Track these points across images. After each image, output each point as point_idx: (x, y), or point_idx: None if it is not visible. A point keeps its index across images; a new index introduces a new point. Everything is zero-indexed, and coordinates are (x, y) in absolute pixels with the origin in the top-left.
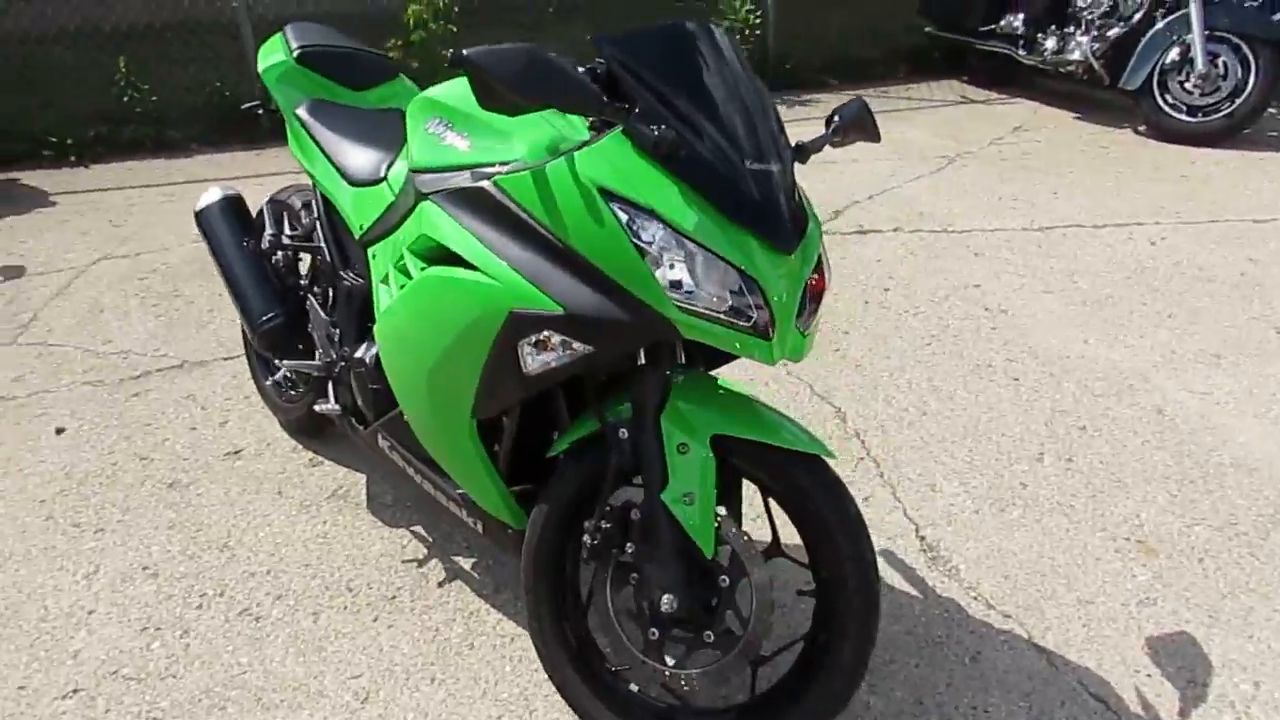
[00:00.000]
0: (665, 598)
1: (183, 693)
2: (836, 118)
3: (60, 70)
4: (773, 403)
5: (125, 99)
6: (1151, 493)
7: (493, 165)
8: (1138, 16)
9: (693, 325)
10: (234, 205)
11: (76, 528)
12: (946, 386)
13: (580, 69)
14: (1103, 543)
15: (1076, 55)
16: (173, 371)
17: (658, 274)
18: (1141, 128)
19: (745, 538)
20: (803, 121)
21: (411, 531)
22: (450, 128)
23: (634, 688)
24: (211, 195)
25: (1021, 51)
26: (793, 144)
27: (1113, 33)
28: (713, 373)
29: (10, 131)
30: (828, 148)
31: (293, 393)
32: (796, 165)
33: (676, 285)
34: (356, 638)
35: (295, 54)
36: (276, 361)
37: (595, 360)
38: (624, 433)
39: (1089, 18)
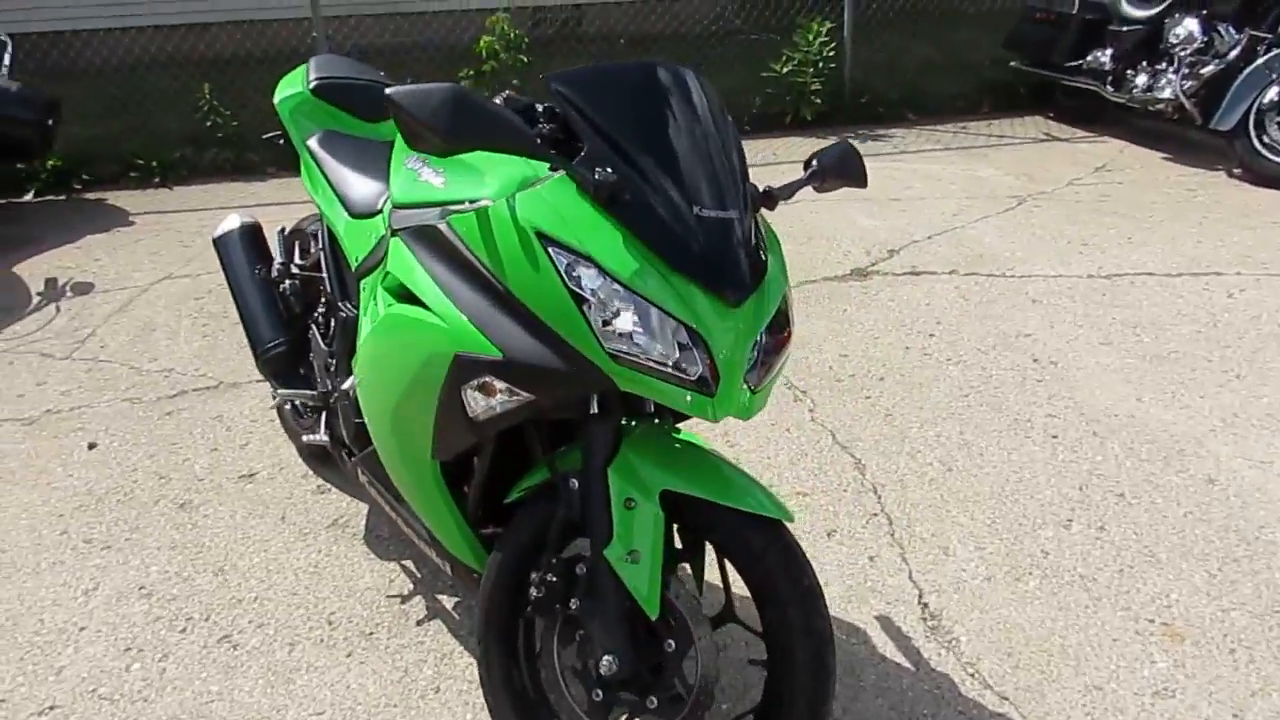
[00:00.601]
0: (606, 659)
1: (152, 718)
2: (815, 162)
3: (152, 96)
4: (789, 450)
5: (208, 124)
6: (1188, 570)
7: (461, 203)
8: (1234, 53)
9: (630, 378)
10: (251, 233)
11: (87, 543)
12: (978, 442)
13: (539, 106)
14: (1123, 623)
15: (1167, 93)
16: (208, 392)
17: (595, 323)
18: (1235, 171)
19: (695, 601)
20: (875, 158)
21: (401, 566)
22: (426, 164)
23: None
24: (230, 223)
25: (1109, 88)
26: (761, 189)
27: (1206, 70)
28: (683, 424)
29: (103, 154)
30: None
31: (302, 420)
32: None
33: (613, 336)
34: (326, 673)
35: (311, 86)
36: (275, 389)
37: (539, 407)
38: (574, 483)
39: (1181, 54)
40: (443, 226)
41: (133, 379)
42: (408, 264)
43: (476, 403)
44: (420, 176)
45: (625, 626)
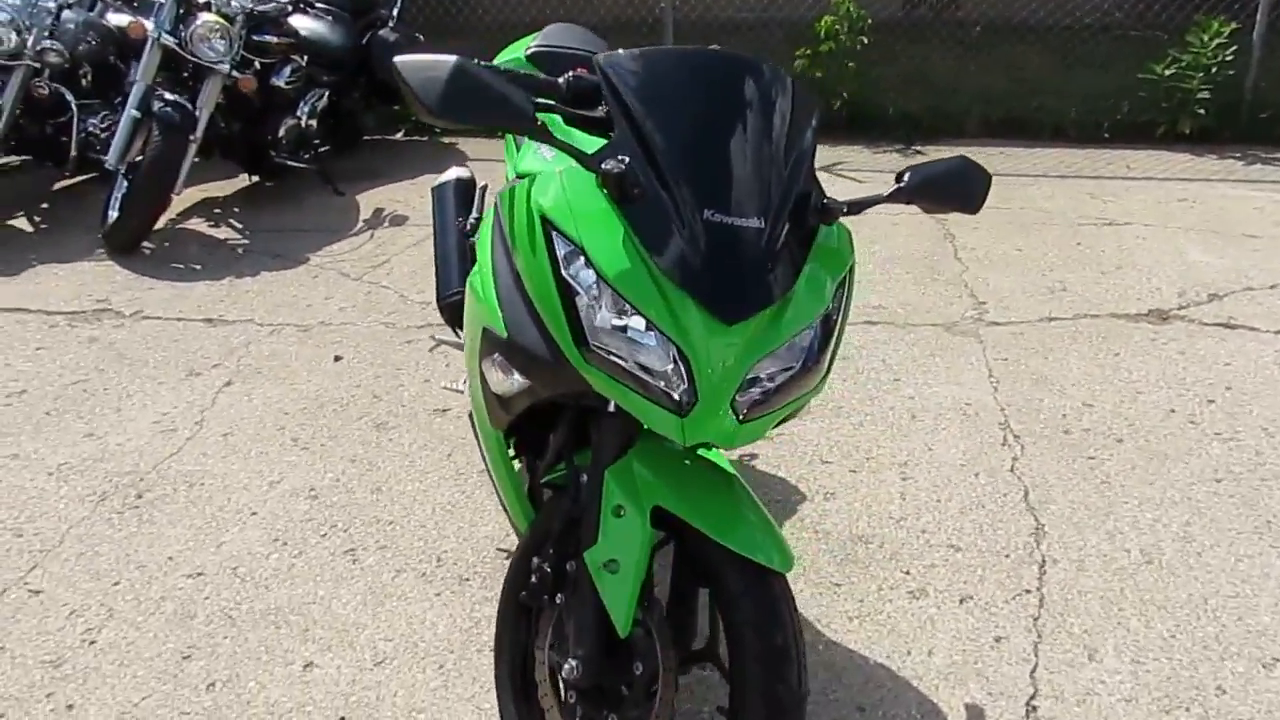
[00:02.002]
0: (571, 662)
1: (262, 603)
2: (906, 176)
3: None
4: (966, 496)
5: None
6: None
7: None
8: None
9: (603, 381)
10: (464, 187)
11: (293, 441)
12: (1203, 539)
13: (562, 79)
14: None
15: None
16: (447, 329)
17: (584, 319)
18: None
19: (682, 631)
20: (1253, 184)
21: None
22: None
23: None
24: (450, 175)
25: None
26: (825, 201)
27: None
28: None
29: None
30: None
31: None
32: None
33: (596, 334)
34: (412, 604)
35: (528, 52)
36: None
37: (538, 395)
38: (583, 479)
39: None
40: (497, 199)
41: (396, 305)
42: (484, 235)
43: (494, 379)
44: (538, 150)
45: (596, 635)
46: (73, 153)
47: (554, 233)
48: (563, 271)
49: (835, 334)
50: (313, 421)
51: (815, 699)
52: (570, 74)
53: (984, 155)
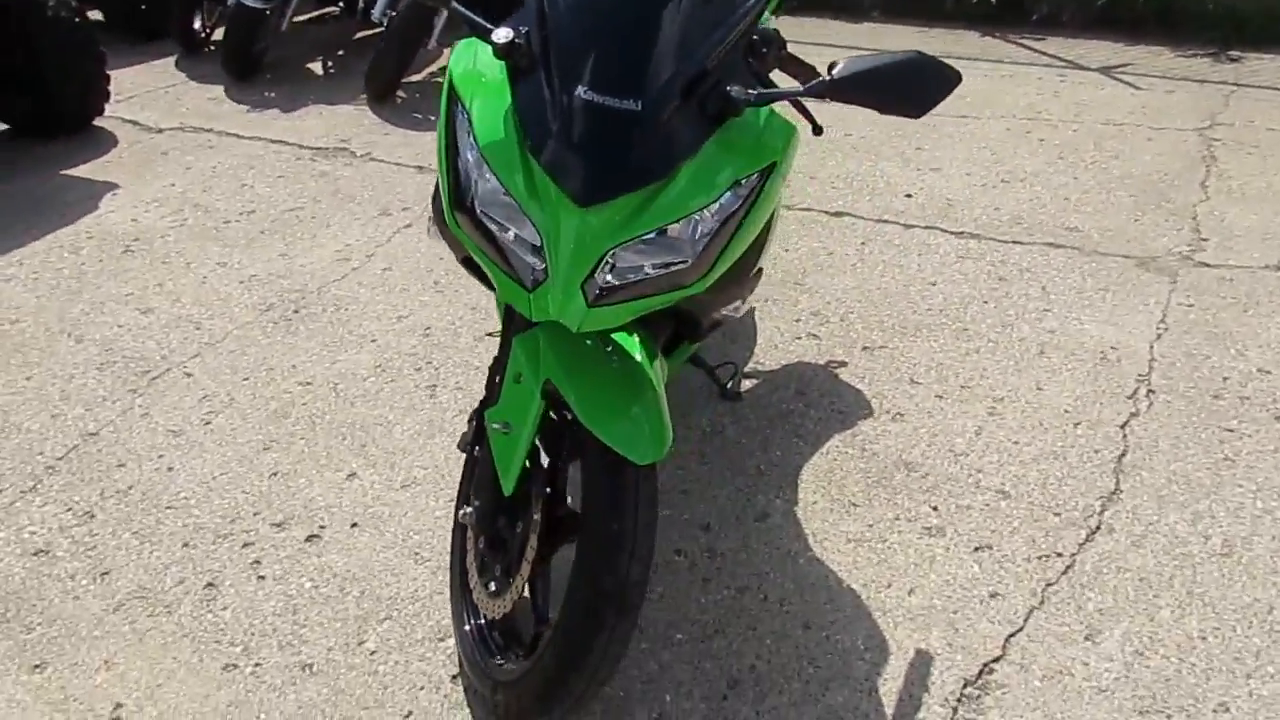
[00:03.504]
0: (468, 509)
1: (343, 416)
2: (840, 66)
3: None
4: (1051, 446)
5: None
6: None
7: None
8: None
9: (471, 246)
10: None
11: (435, 285)
12: None
13: None
14: None
15: None
16: None
17: (461, 183)
18: None
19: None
20: None
21: None
22: None
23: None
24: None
25: None
26: (735, 92)
27: None
28: None
29: None
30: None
31: None
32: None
33: (467, 195)
34: (453, 441)
35: None
36: None
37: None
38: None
39: None
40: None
41: None
42: None
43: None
44: None
45: (490, 489)
46: (360, 4)
47: (455, 98)
48: (456, 136)
49: (734, 234)
50: (457, 269)
51: (768, 605)
52: None
53: None
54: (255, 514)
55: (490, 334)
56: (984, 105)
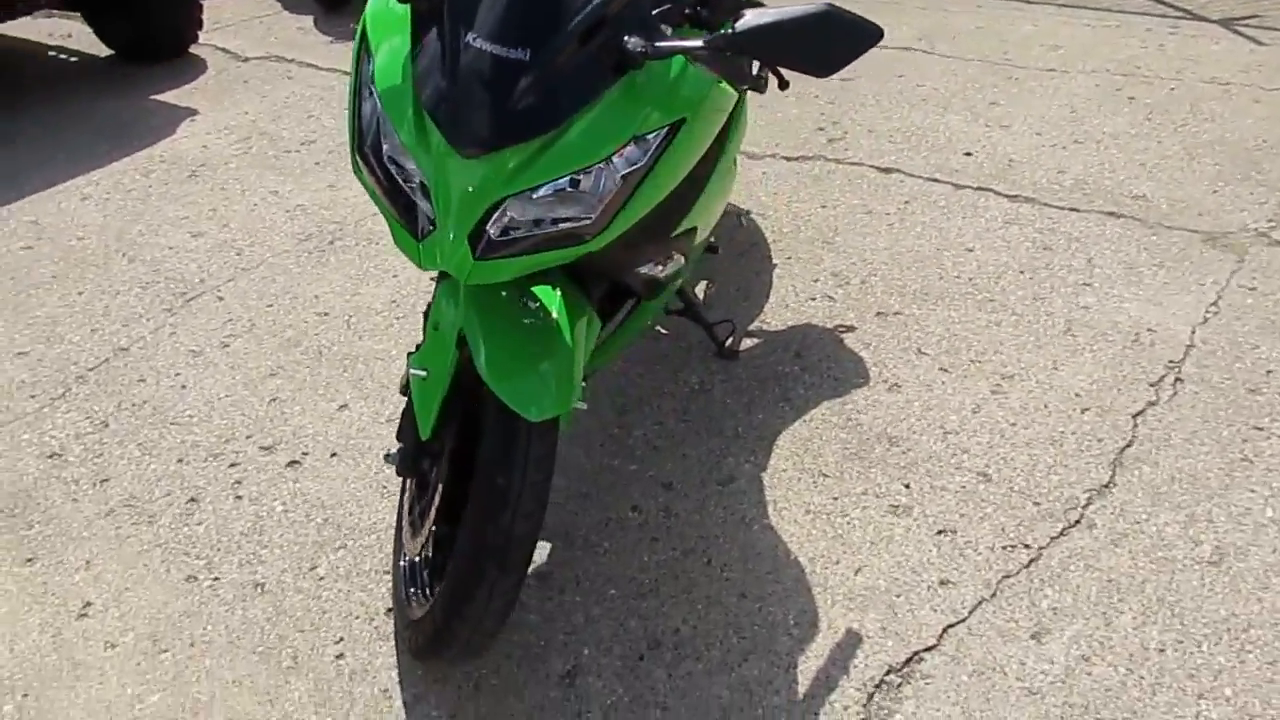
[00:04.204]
0: (394, 448)
1: (348, 349)
2: (744, 17)
3: None
4: (1060, 427)
5: None
6: None
7: None
8: None
9: (368, 190)
10: None
11: None
12: None
13: None
14: None
15: None
16: None
17: (363, 126)
18: None
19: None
20: None
21: None
22: None
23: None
24: None
25: None
26: (634, 45)
27: None
28: None
29: None
30: None
31: None
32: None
33: (365, 138)
34: None
35: None
36: None
37: None
38: None
39: None
40: None
41: None
42: None
43: None
44: None
45: (412, 432)
46: None
47: (364, 39)
48: (360, 79)
49: (634, 192)
50: None
51: (709, 570)
52: None
53: None
54: (248, 436)
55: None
56: (1078, 58)
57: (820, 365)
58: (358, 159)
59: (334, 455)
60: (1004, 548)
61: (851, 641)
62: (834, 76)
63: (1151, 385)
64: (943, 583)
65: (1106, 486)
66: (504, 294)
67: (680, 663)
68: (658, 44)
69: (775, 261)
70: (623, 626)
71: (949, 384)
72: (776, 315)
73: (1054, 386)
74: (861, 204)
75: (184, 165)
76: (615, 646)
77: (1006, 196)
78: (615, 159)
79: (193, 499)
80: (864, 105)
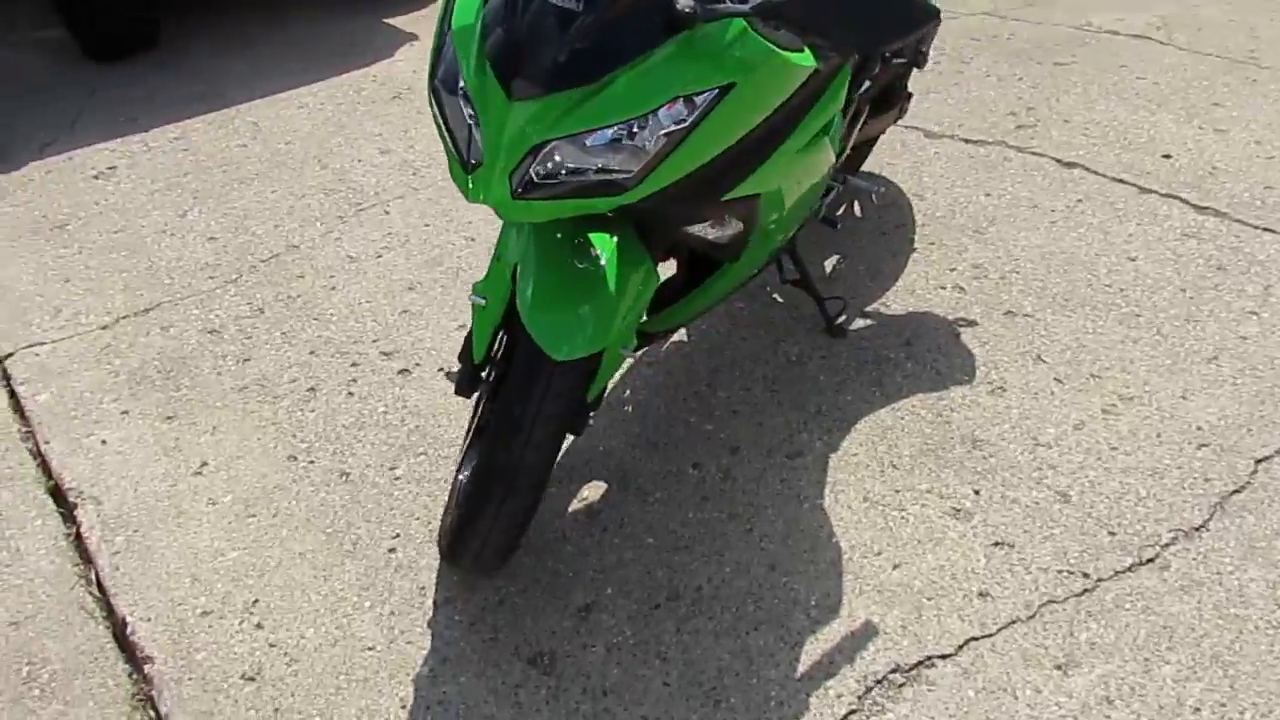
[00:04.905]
0: (457, 367)
1: (343, 296)
2: None
3: None
4: (1175, 460)
5: None
6: None
7: None
8: None
9: (435, 119)
10: None
11: None
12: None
13: None
14: None
15: None
16: None
17: (440, 57)
18: None
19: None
20: None
21: None
22: None
23: None
24: None
25: None
26: (688, 6)
27: None
28: None
29: None
30: None
31: None
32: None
33: (438, 75)
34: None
35: None
36: None
37: None
38: None
39: None
40: None
41: None
42: None
43: None
44: None
45: (468, 353)
46: None
47: None
48: (445, 12)
49: (674, 149)
50: None
51: (748, 538)
52: None
53: None
54: (373, 341)
55: None
56: None
57: (926, 356)
58: (430, 90)
59: (441, 370)
60: (1060, 571)
61: (866, 633)
62: (1046, 60)
63: None
64: (981, 594)
65: (1198, 529)
66: (559, 235)
67: (692, 619)
68: (707, 6)
69: (916, 245)
70: (649, 574)
71: (1059, 395)
72: (899, 299)
73: (1175, 416)
74: (1029, 197)
75: (392, 86)
76: (636, 591)
77: (1195, 207)
78: (661, 115)
79: (312, 388)
80: (1069, 93)
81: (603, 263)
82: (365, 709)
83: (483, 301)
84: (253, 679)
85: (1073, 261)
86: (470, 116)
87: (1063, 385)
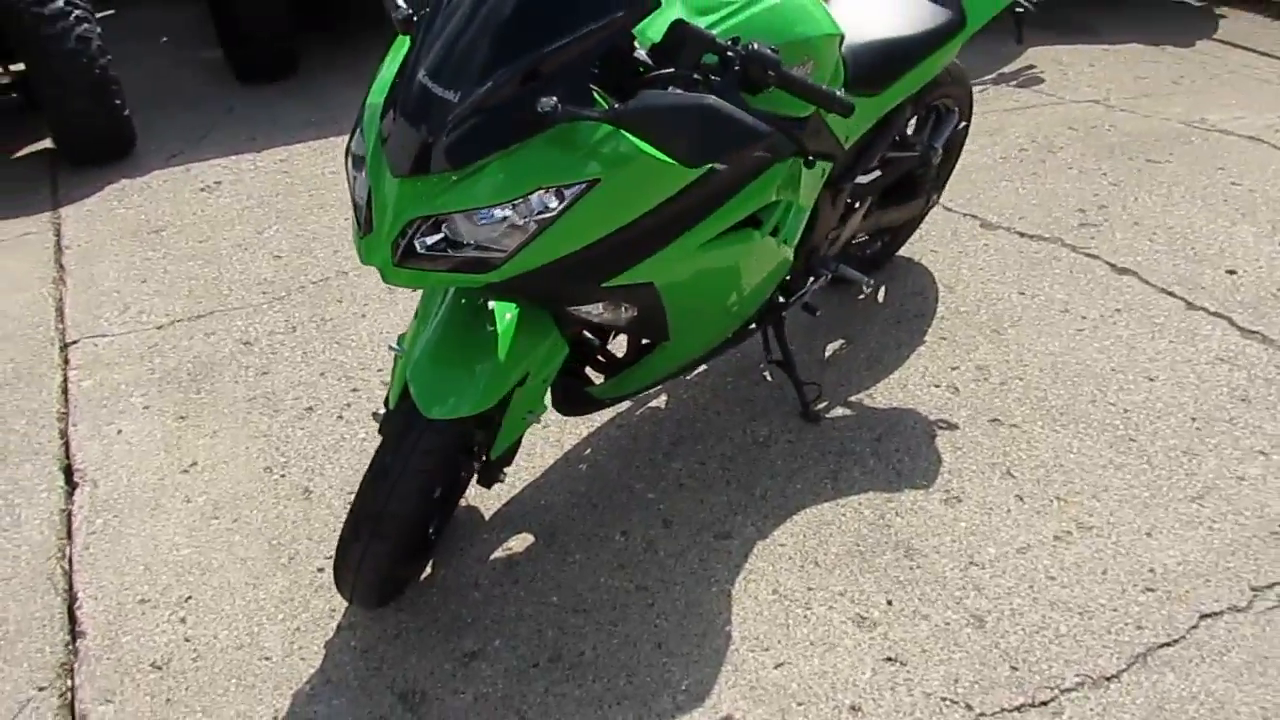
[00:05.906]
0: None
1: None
2: (637, 96)
3: None
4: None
5: None
6: None
7: None
8: None
9: (348, 183)
10: None
11: None
12: None
13: None
14: None
15: None
16: None
17: (356, 125)
18: None
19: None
20: None
21: None
22: None
23: None
24: None
25: None
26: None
27: None
28: None
29: None
30: None
31: None
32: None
33: (351, 142)
34: None
35: None
36: None
37: None
38: None
39: None
40: None
41: None
42: None
43: None
44: None
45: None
46: None
47: (389, 53)
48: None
49: (542, 234)
50: None
51: (643, 612)
52: None
53: None
54: (378, 370)
55: None
56: None
57: (892, 455)
58: (347, 158)
59: (373, 413)
60: (943, 699)
61: None
62: (1139, 156)
63: (1254, 590)
64: (853, 708)
65: (1108, 680)
66: (463, 301)
67: (563, 683)
68: (566, 107)
69: (926, 339)
70: (540, 632)
71: (1014, 514)
72: (887, 393)
73: (1130, 553)
74: (1065, 300)
75: None
76: (521, 646)
77: (1240, 329)
78: (533, 200)
79: (310, 407)
80: (1151, 193)
81: (496, 330)
82: (242, 713)
83: (400, 351)
84: (159, 668)
85: (1084, 374)
86: (368, 187)
87: (1022, 504)
